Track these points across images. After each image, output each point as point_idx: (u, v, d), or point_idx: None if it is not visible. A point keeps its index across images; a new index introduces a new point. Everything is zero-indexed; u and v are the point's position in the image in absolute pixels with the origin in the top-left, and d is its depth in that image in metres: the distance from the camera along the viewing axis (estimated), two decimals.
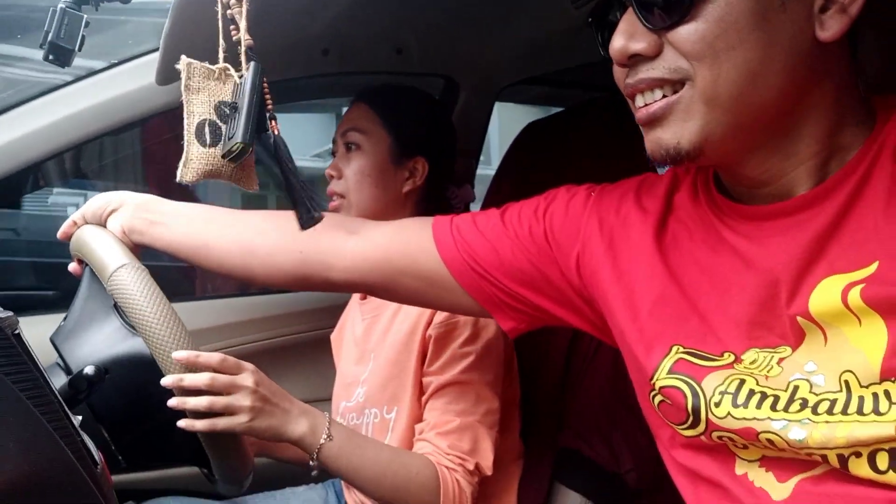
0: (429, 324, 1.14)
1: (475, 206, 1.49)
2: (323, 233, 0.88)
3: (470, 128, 1.70)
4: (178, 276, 1.95)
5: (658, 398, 0.76)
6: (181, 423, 0.94)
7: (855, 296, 0.64)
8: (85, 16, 1.10)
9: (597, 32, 0.76)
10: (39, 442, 0.54)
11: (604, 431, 1.21)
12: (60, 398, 0.70)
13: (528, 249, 0.91)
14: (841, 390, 0.65)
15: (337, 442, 1.03)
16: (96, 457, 0.65)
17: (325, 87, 1.76)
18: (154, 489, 1.26)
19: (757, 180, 0.71)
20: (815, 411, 0.65)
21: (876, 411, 0.62)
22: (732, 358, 0.72)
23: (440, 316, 1.14)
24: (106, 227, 1.08)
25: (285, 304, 1.61)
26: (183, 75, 0.83)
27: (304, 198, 0.85)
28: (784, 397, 0.67)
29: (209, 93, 0.83)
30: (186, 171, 0.85)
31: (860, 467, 0.64)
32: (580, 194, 0.91)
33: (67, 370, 0.97)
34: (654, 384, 0.76)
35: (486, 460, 1.10)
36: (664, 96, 0.68)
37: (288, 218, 0.88)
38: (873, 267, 0.64)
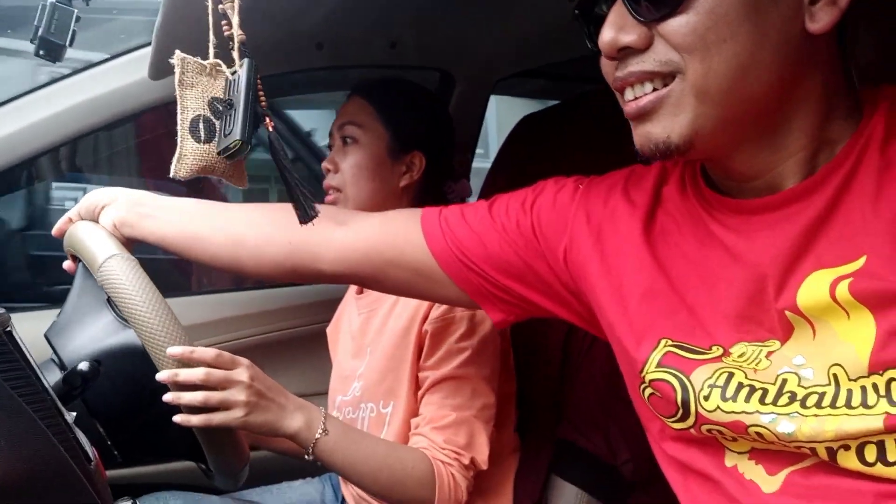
0: (425, 318, 1.14)
1: (473, 200, 1.49)
2: (313, 224, 0.88)
3: (465, 121, 1.69)
4: (174, 269, 1.95)
5: (648, 391, 0.76)
6: (177, 417, 0.94)
7: (843, 290, 0.64)
8: (76, 10, 1.09)
9: (584, 25, 0.75)
10: (32, 439, 0.54)
11: (600, 424, 1.21)
12: (54, 394, 0.70)
13: (515, 242, 0.91)
14: (829, 384, 0.65)
15: (332, 436, 1.03)
16: (90, 453, 0.65)
17: (319, 81, 1.75)
18: (151, 484, 1.26)
19: (745, 174, 0.71)
20: (803, 405, 0.65)
21: (864, 404, 0.62)
22: (721, 351, 0.72)
23: (437, 311, 1.14)
24: (98, 222, 1.08)
25: (280, 298, 1.61)
26: (177, 70, 0.83)
27: (300, 194, 0.85)
28: (772, 391, 0.68)
29: (202, 88, 0.82)
30: (180, 167, 0.84)
31: (849, 460, 0.64)
32: (568, 187, 0.91)
33: (62, 366, 0.97)
34: (643, 377, 0.76)
35: (482, 455, 1.10)
36: (654, 90, 0.67)
37: (277, 209, 0.88)
38: (861, 261, 0.64)
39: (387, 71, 1.52)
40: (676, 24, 0.64)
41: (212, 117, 0.82)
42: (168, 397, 0.93)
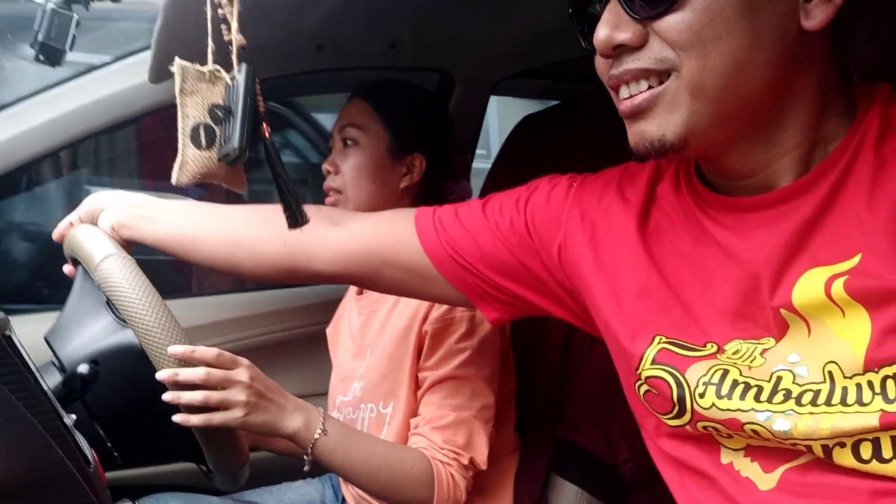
0: (425, 319, 1.15)
1: None
2: (307, 224, 0.89)
3: (465, 122, 1.69)
4: (179, 270, 1.95)
5: (644, 388, 0.76)
6: (176, 417, 0.94)
7: (838, 288, 0.64)
8: (75, 15, 1.10)
9: (578, 24, 0.75)
10: (30, 443, 0.54)
11: (600, 423, 1.21)
12: (53, 398, 0.70)
13: (509, 241, 0.91)
14: (825, 381, 0.65)
15: (331, 437, 1.04)
16: (89, 456, 0.65)
17: (320, 83, 1.75)
18: (150, 485, 1.26)
19: (739, 172, 0.71)
20: (798, 402, 0.66)
21: (859, 402, 0.63)
22: (715, 348, 0.72)
23: (437, 311, 1.14)
24: (98, 225, 1.09)
25: (280, 299, 1.61)
26: (177, 79, 0.83)
27: (292, 200, 0.85)
28: (767, 388, 0.68)
29: (202, 95, 0.82)
30: (182, 174, 0.85)
31: (844, 457, 0.64)
32: (562, 184, 0.90)
33: (62, 368, 0.97)
34: (639, 374, 0.76)
35: (481, 455, 1.11)
36: (649, 87, 0.67)
37: (273, 210, 0.88)
38: (856, 259, 0.64)
39: (387, 72, 1.52)
40: (672, 22, 0.64)
41: (212, 124, 0.82)
42: (168, 396, 0.93)
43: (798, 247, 0.67)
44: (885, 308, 0.62)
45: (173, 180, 0.86)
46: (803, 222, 0.67)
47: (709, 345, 0.72)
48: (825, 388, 0.65)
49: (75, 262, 1.09)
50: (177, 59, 0.83)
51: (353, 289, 1.38)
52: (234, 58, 0.79)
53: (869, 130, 0.66)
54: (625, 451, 1.18)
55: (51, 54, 1.10)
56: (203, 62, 0.84)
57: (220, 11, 0.79)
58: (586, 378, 1.25)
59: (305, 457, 1.04)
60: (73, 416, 0.72)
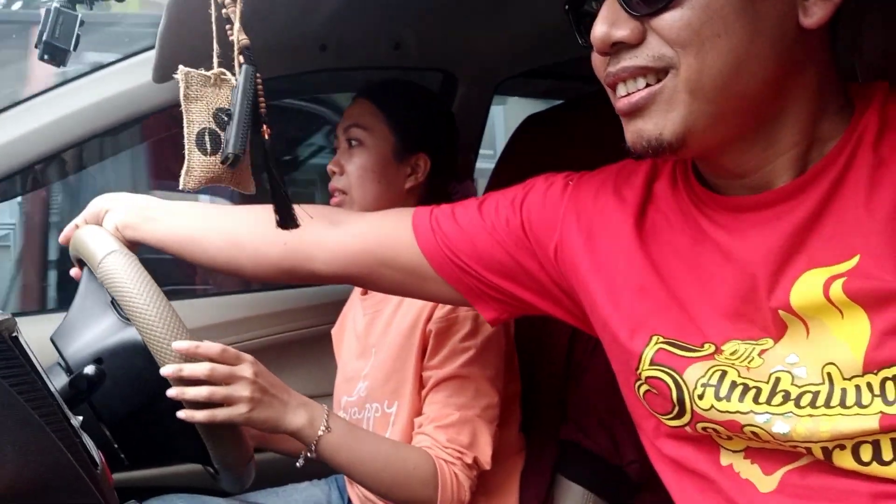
0: (429, 318, 1.15)
1: None
2: (306, 224, 0.89)
3: (468, 122, 1.69)
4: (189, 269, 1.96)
5: (644, 388, 0.76)
6: (180, 413, 0.94)
7: (837, 289, 0.64)
8: (80, 14, 1.10)
9: (574, 21, 0.74)
10: (38, 445, 0.54)
11: (606, 424, 1.21)
12: (60, 399, 0.70)
13: (505, 241, 0.90)
14: (823, 382, 0.65)
15: (335, 434, 1.03)
16: (96, 457, 0.66)
17: (323, 83, 1.75)
18: (157, 486, 1.26)
19: (736, 171, 0.70)
20: (797, 404, 0.65)
21: (859, 404, 0.62)
22: (713, 349, 0.71)
23: (441, 310, 1.14)
24: (102, 226, 1.09)
25: (285, 300, 1.61)
26: (181, 85, 0.83)
27: (283, 203, 0.86)
28: (766, 389, 0.67)
29: (207, 101, 0.83)
30: (189, 179, 0.85)
31: (844, 459, 0.64)
32: (558, 183, 0.90)
33: (68, 370, 0.97)
34: (639, 374, 0.75)
35: (485, 455, 1.10)
36: (647, 85, 0.66)
37: (273, 211, 0.88)
38: (855, 260, 0.63)
39: (390, 72, 1.52)
40: (670, 19, 0.64)
41: (217, 129, 0.82)
42: (172, 392, 0.93)
43: (795, 247, 0.67)
44: (885, 309, 0.62)
45: (180, 186, 0.86)
46: (800, 223, 0.67)
47: (706, 345, 0.72)
48: (824, 389, 0.64)
49: (81, 264, 1.10)
50: (180, 67, 0.83)
51: (357, 289, 1.38)
52: (235, 59, 0.79)
53: (867, 129, 0.66)
54: (631, 452, 1.18)
55: (56, 54, 1.10)
56: (207, 62, 0.84)
57: (223, 12, 0.78)
58: (591, 379, 1.24)
59: (308, 454, 1.04)
60: (80, 418, 0.73)
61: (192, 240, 1.08)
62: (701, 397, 0.70)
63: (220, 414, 0.95)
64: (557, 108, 1.64)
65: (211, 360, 0.95)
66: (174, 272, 1.93)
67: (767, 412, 0.66)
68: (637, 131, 0.68)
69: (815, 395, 0.65)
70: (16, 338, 0.65)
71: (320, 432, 1.02)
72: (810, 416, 0.64)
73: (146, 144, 2.10)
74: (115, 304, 0.99)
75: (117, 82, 1.36)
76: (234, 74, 0.81)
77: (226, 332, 1.50)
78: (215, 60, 0.80)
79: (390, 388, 1.19)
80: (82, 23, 1.10)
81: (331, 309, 1.49)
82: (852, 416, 0.62)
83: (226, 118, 0.79)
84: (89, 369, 0.93)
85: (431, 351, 1.14)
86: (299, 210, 0.91)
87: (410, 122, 1.27)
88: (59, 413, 0.61)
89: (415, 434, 1.13)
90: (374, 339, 1.26)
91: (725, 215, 0.72)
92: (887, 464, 0.62)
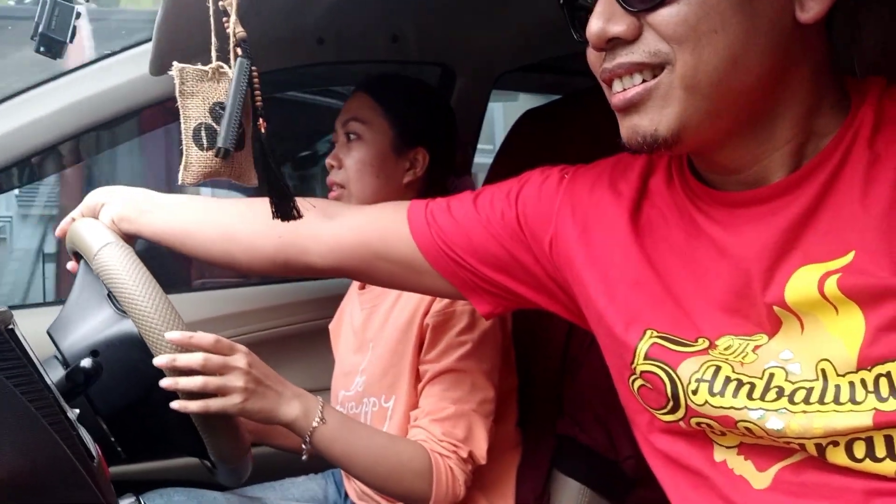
0: (426, 312, 1.15)
1: None
2: (301, 218, 0.89)
3: (467, 116, 1.69)
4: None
5: (638, 382, 0.76)
6: (174, 404, 0.94)
7: (832, 285, 0.63)
8: (76, 7, 1.09)
9: (569, 16, 0.74)
10: (34, 439, 0.54)
11: (602, 419, 1.21)
12: (57, 392, 0.70)
13: (500, 234, 0.90)
14: (817, 378, 0.65)
15: (330, 426, 1.03)
16: (92, 450, 0.65)
17: (321, 77, 1.75)
18: (154, 480, 1.26)
19: (731, 167, 0.70)
20: (791, 400, 0.65)
21: (853, 401, 0.62)
22: (707, 343, 0.71)
23: (438, 304, 1.14)
24: (99, 219, 1.09)
25: (283, 294, 1.61)
26: (176, 82, 0.83)
27: (280, 196, 0.86)
28: (760, 385, 0.67)
29: (203, 96, 0.83)
30: (187, 175, 0.86)
31: (838, 456, 0.64)
32: (553, 177, 0.90)
33: (65, 363, 0.97)
34: (634, 368, 0.75)
35: (480, 449, 1.11)
36: (643, 81, 0.66)
37: (268, 204, 0.88)
38: (850, 256, 0.63)
39: (388, 66, 1.51)
40: (666, 14, 0.63)
41: (213, 124, 0.82)
42: (165, 382, 0.93)
43: (790, 243, 0.67)
44: (880, 306, 0.62)
45: (179, 181, 0.86)
46: (796, 218, 0.66)
47: (700, 340, 0.72)
48: (818, 385, 0.64)
49: (78, 258, 1.09)
50: (175, 64, 0.83)
51: (355, 284, 1.38)
52: (231, 51, 0.79)
53: (863, 125, 0.66)
54: (627, 447, 1.18)
55: (52, 46, 1.10)
56: (204, 55, 0.83)
57: (220, 4, 0.78)
58: (588, 374, 1.24)
59: (304, 445, 1.04)
60: (77, 411, 0.72)
61: (188, 233, 1.07)
62: (695, 392, 0.70)
63: (214, 404, 0.95)
64: (555, 104, 1.64)
65: (204, 350, 0.95)
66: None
67: (761, 408, 0.66)
68: (632, 127, 0.68)
69: (809, 391, 0.65)
70: (12, 330, 0.64)
71: (314, 423, 1.02)
72: (804, 412, 0.64)
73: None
74: (111, 296, 0.99)
75: (114, 75, 1.35)
76: (231, 68, 0.81)
77: (223, 326, 1.50)
78: (213, 54, 0.80)
79: (387, 382, 1.19)
80: (78, 15, 1.10)
81: (328, 303, 1.49)
82: (846, 412, 0.62)
83: (222, 112, 0.79)
84: (86, 362, 0.93)
85: (428, 345, 1.14)
86: (301, 202, 0.91)
87: (409, 117, 1.27)
88: (56, 406, 0.61)
89: (410, 427, 1.13)
90: (371, 333, 1.26)
91: (720, 210, 0.72)
92: (880, 460, 0.62)
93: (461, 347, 1.13)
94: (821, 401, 0.64)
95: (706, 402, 0.69)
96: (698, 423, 0.71)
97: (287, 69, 1.46)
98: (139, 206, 1.09)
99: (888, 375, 0.61)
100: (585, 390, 1.23)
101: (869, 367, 0.62)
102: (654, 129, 0.66)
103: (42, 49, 1.10)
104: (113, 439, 0.98)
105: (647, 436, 0.79)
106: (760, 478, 0.69)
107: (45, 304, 1.50)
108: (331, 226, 1.01)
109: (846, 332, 0.63)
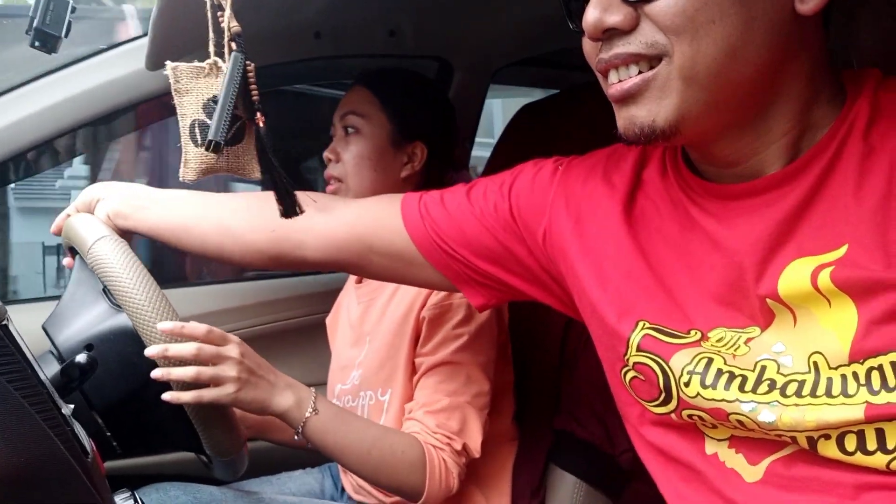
0: (423, 305, 1.15)
1: None
2: (303, 213, 0.89)
3: (464, 110, 1.69)
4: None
5: (630, 374, 0.76)
6: (167, 395, 0.93)
7: (825, 278, 0.63)
8: (71, 1, 1.09)
9: (565, 5, 0.73)
10: (28, 435, 0.54)
11: (599, 413, 1.21)
12: (51, 387, 0.70)
13: (493, 227, 0.90)
14: (809, 371, 0.65)
15: (322, 417, 1.03)
16: (87, 446, 0.65)
17: (318, 71, 1.74)
18: (150, 475, 1.27)
19: (727, 159, 0.70)
20: (783, 393, 0.65)
21: (844, 393, 0.62)
22: (699, 336, 0.71)
23: (434, 297, 1.14)
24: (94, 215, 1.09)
25: (281, 289, 1.61)
26: (171, 80, 0.83)
27: (285, 191, 0.85)
28: (751, 378, 0.67)
29: (197, 93, 0.83)
30: (187, 171, 0.86)
31: (829, 449, 0.64)
32: (546, 168, 0.90)
33: (60, 358, 0.97)
34: (626, 360, 0.75)
35: (474, 442, 1.11)
36: (640, 72, 0.66)
37: (261, 198, 0.88)
38: (843, 249, 0.63)
39: (385, 60, 1.51)
40: (664, 5, 0.63)
41: (206, 120, 0.82)
42: (157, 373, 0.93)
43: (784, 236, 0.67)
44: (872, 299, 0.62)
45: (180, 178, 0.87)
46: (790, 211, 0.66)
47: (693, 332, 0.72)
48: (810, 378, 0.64)
49: (73, 254, 1.09)
50: (168, 63, 0.83)
51: (352, 278, 1.37)
52: (226, 45, 0.79)
53: (858, 118, 0.65)
54: (623, 441, 1.18)
55: (47, 41, 1.09)
56: (199, 50, 0.83)
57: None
58: (585, 368, 1.25)
59: (296, 437, 1.04)
60: (71, 406, 0.72)
61: (183, 228, 1.07)
62: (687, 384, 0.70)
63: (208, 394, 0.95)
64: (553, 98, 1.63)
65: (197, 339, 0.95)
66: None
67: (753, 401, 0.66)
68: (629, 118, 0.68)
69: (801, 384, 0.65)
70: (6, 326, 0.64)
71: (307, 414, 1.02)
72: (796, 405, 0.64)
73: None
74: (106, 291, 0.99)
75: (110, 70, 1.35)
76: (225, 62, 0.81)
77: (220, 321, 1.49)
78: (211, 49, 0.80)
79: (384, 375, 1.19)
80: (73, 9, 1.09)
81: (325, 298, 1.49)
82: (838, 405, 0.62)
83: (215, 107, 0.79)
84: (81, 357, 0.92)
85: (424, 337, 1.14)
86: (302, 196, 0.91)
87: (407, 110, 1.26)
88: (50, 402, 0.61)
89: (405, 419, 1.13)
90: (368, 327, 1.26)
91: (714, 203, 0.72)
92: (871, 453, 0.63)
93: (457, 340, 1.13)
94: (812, 394, 0.64)
95: (698, 394, 0.69)
96: (690, 416, 0.72)
97: (284, 63, 1.46)
98: (134, 202, 1.09)
99: (880, 368, 0.61)
100: (583, 385, 1.24)
101: (861, 360, 0.62)
102: (652, 121, 0.66)
103: (37, 44, 1.09)
104: (108, 434, 0.98)
105: (637, 428, 0.80)
106: (752, 471, 0.69)
107: (40, 299, 1.49)
108: (325, 219, 1.01)
109: (839, 325, 0.63)
